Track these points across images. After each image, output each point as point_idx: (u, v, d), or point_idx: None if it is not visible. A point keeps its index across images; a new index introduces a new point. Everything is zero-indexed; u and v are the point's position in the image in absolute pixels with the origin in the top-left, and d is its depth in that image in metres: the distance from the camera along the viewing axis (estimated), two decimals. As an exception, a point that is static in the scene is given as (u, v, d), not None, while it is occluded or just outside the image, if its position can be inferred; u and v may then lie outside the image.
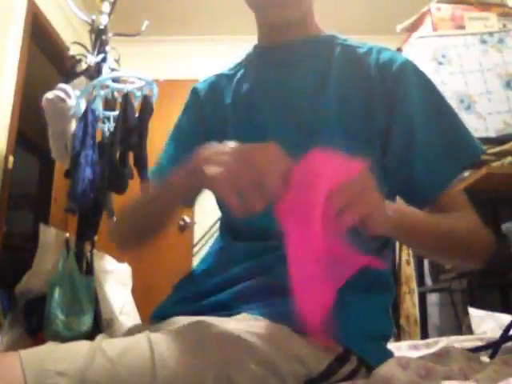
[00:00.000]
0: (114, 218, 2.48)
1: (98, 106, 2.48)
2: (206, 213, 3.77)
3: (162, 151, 0.94)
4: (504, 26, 2.59)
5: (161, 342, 0.56)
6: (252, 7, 0.83)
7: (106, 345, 0.55)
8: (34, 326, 2.17)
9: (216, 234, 0.92)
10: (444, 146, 0.77)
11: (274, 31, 0.85)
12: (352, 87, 0.79)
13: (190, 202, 0.83)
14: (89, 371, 0.51)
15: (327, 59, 0.83)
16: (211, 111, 0.90)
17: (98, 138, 2.40)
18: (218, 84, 0.92)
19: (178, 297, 0.79)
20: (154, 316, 0.78)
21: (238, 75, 0.90)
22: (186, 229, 3.63)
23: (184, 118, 0.95)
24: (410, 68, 0.80)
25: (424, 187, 0.77)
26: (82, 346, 0.55)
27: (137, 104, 2.46)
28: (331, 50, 0.84)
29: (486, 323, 1.30)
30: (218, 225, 3.11)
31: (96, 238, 2.45)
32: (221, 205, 0.88)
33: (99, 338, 0.58)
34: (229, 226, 0.86)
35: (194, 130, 0.91)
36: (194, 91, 0.95)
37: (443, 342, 0.99)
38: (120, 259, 2.55)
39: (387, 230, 0.62)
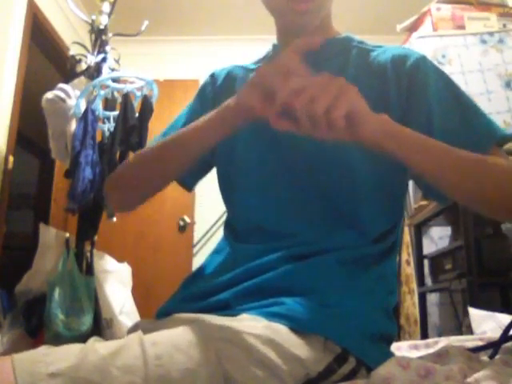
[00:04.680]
0: (114, 218, 2.48)
1: (98, 106, 2.48)
2: (206, 213, 3.78)
3: (170, 124, 0.94)
4: (504, 26, 2.59)
5: (155, 341, 0.57)
6: (272, 13, 0.84)
7: (99, 345, 0.55)
8: (34, 326, 2.17)
9: (217, 234, 0.92)
10: (466, 135, 0.74)
11: (294, 35, 0.85)
12: (367, 87, 0.79)
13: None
14: (81, 371, 0.51)
15: (344, 61, 0.83)
16: (226, 99, 0.90)
17: (98, 138, 2.40)
18: (235, 74, 0.93)
19: (181, 296, 0.79)
20: (157, 315, 0.78)
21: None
22: (186, 229, 3.63)
23: (197, 98, 0.95)
24: (425, 62, 0.80)
25: None
26: (75, 347, 0.55)
27: (137, 104, 2.46)
28: (348, 52, 0.85)
29: (486, 323, 1.30)
30: (217, 225, 3.14)
31: (96, 237, 2.45)
32: (226, 202, 0.89)
33: (92, 340, 0.58)
34: (231, 227, 0.86)
35: (204, 110, 0.88)
36: (213, 76, 0.96)
37: (443, 341, 0.99)
38: (120, 259, 2.55)
39: (380, 136, 0.62)
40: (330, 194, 0.76)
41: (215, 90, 0.93)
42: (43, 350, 0.54)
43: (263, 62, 0.93)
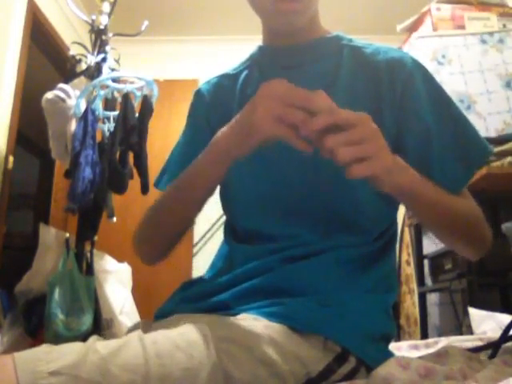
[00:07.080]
0: (114, 218, 2.48)
1: (98, 106, 2.47)
2: (205, 213, 3.77)
3: (168, 158, 0.92)
4: (504, 26, 2.59)
5: (155, 340, 0.57)
6: (259, 14, 0.82)
7: (99, 344, 0.55)
8: (34, 326, 2.17)
9: (217, 234, 0.92)
10: (458, 148, 0.77)
11: (281, 36, 0.84)
12: (361, 88, 0.79)
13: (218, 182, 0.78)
14: (81, 370, 0.51)
15: (335, 61, 0.82)
16: (217, 113, 0.88)
17: (98, 138, 2.40)
18: (221, 85, 0.91)
19: (179, 297, 0.79)
20: (156, 316, 0.78)
21: (242, 76, 0.89)
22: (186, 229, 3.63)
23: (190, 122, 0.93)
24: (419, 69, 0.80)
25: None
26: (75, 346, 0.55)
27: (137, 104, 2.46)
28: (339, 52, 0.83)
29: (486, 323, 1.30)
30: (218, 225, 3.13)
31: (96, 237, 2.45)
32: (225, 207, 0.88)
33: (92, 339, 0.58)
34: (231, 229, 0.86)
35: (201, 132, 0.89)
36: (199, 93, 0.93)
37: (443, 342, 0.99)
38: (120, 259, 2.55)
39: (394, 192, 0.65)
40: (329, 201, 0.76)
41: (206, 108, 0.90)
42: (44, 349, 0.54)
43: (247, 64, 0.90)
